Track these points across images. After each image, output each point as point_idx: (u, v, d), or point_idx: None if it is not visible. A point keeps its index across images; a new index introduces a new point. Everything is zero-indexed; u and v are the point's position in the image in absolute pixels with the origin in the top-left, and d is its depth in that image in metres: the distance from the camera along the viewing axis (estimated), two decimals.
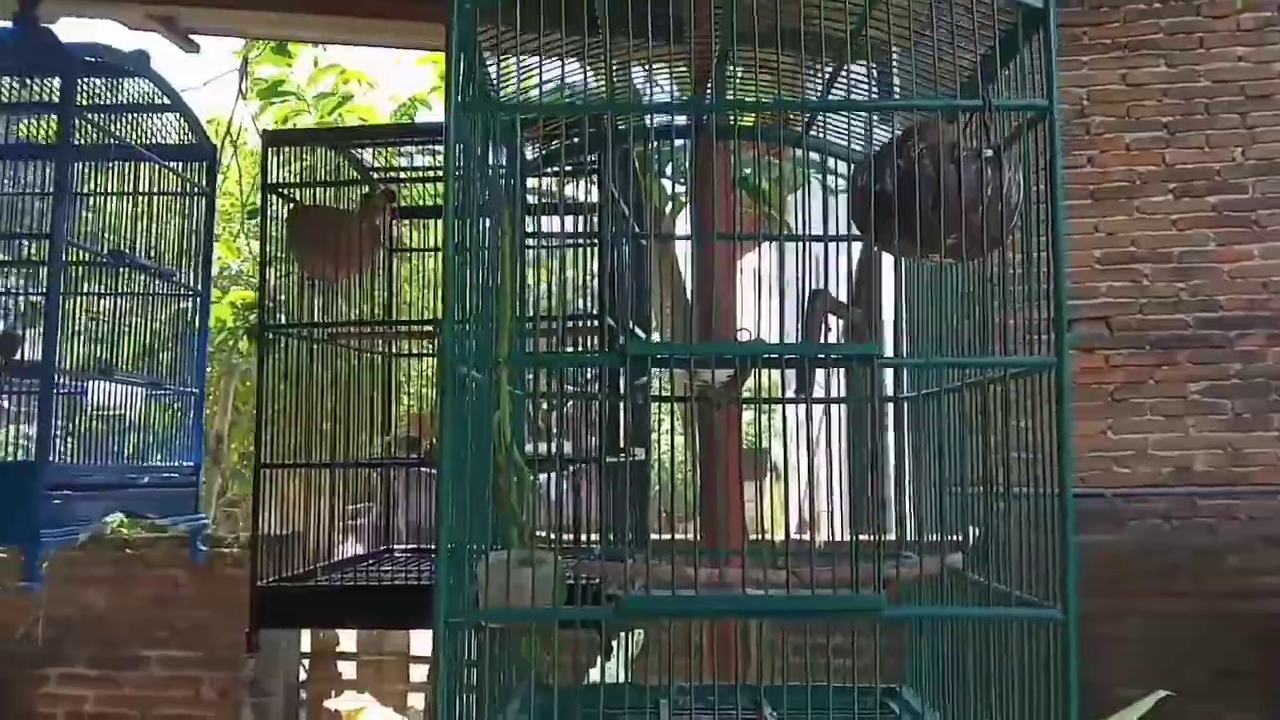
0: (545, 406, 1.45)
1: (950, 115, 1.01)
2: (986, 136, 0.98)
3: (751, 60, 1.58)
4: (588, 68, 1.55)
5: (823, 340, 1.52)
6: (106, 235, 2.34)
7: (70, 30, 2.25)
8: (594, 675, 1.99)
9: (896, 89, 1.43)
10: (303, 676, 4.79)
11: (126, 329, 2.33)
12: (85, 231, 2.34)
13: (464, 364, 1.00)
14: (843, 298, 1.47)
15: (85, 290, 2.35)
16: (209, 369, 5.20)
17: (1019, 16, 0.98)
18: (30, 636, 4.47)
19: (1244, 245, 4.72)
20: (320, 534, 2.23)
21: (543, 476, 1.47)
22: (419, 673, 4.68)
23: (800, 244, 1.45)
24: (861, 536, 1.00)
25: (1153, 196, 4.80)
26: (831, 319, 1.60)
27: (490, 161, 1.17)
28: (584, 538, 1.70)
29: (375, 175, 2.36)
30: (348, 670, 4.78)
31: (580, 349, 1.88)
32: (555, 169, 1.75)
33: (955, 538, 1.21)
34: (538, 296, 1.86)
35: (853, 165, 1.17)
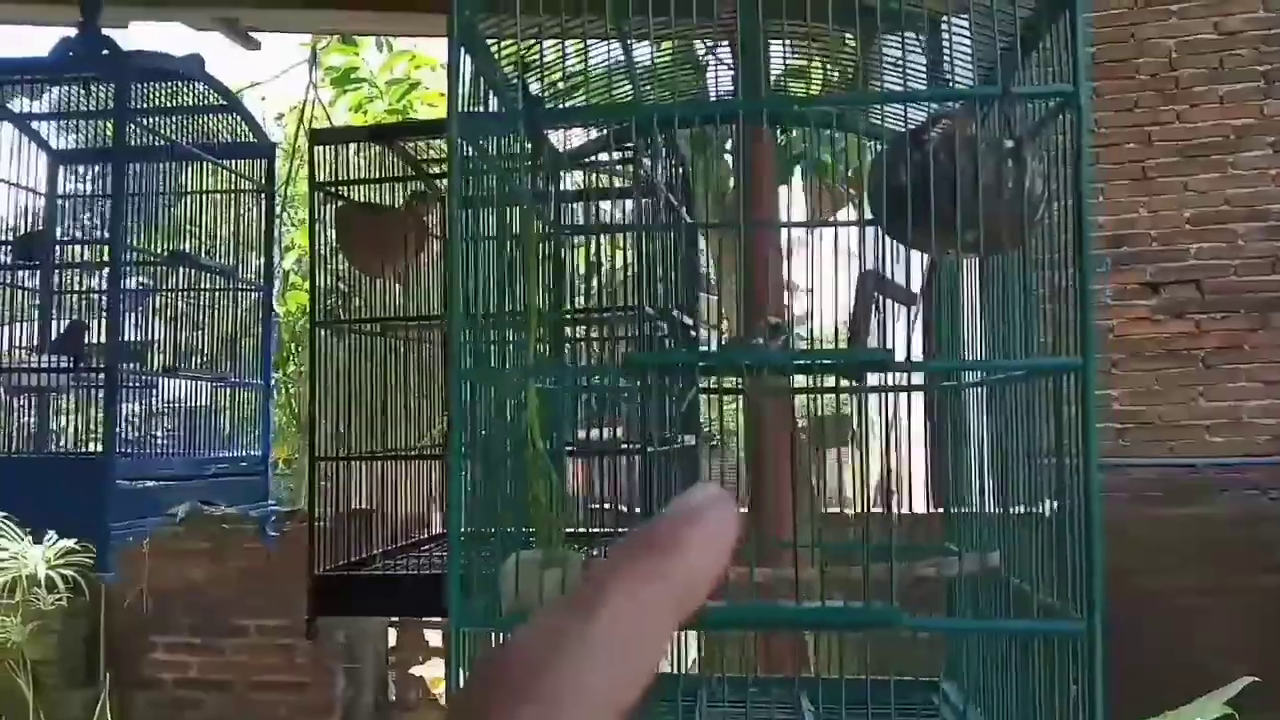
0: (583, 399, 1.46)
1: (968, 105, 0.96)
2: (1007, 126, 0.93)
3: (781, 34, 1.54)
4: (611, 46, 1.53)
5: (871, 322, 1.48)
6: (170, 238, 2.42)
7: (137, 34, 2.32)
8: None
9: (946, 59, 1.37)
10: (391, 643, 4.95)
11: (192, 325, 2.42)
12: (152, 231, 2.42)
13: (472, 365, 1.00)
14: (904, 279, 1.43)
15: (149, 288, 2.44)
16: (296, 351, 5.37)
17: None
18: (135, 607, 4.73)
19: None
20: (377, 523, 2.29)
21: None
22: None
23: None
24: (887, 539, 0.98)
25: (1248, 151, 4.54)
26: (888, 302, 1.56)
27: (504, 149, 1.17)
28: (621, 529, 1.71)
29: (429, 168, 2.39)
30: (434, 638, 4.92)
31: (623, 340, 1.88)
32: (595, 156, 1.74)
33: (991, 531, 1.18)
34: (574, 288, 1.86)
35: (876, 150, 1.12)
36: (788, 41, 1.64)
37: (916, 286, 1.55)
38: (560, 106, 1.42)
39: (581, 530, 1.96)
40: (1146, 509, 4.38)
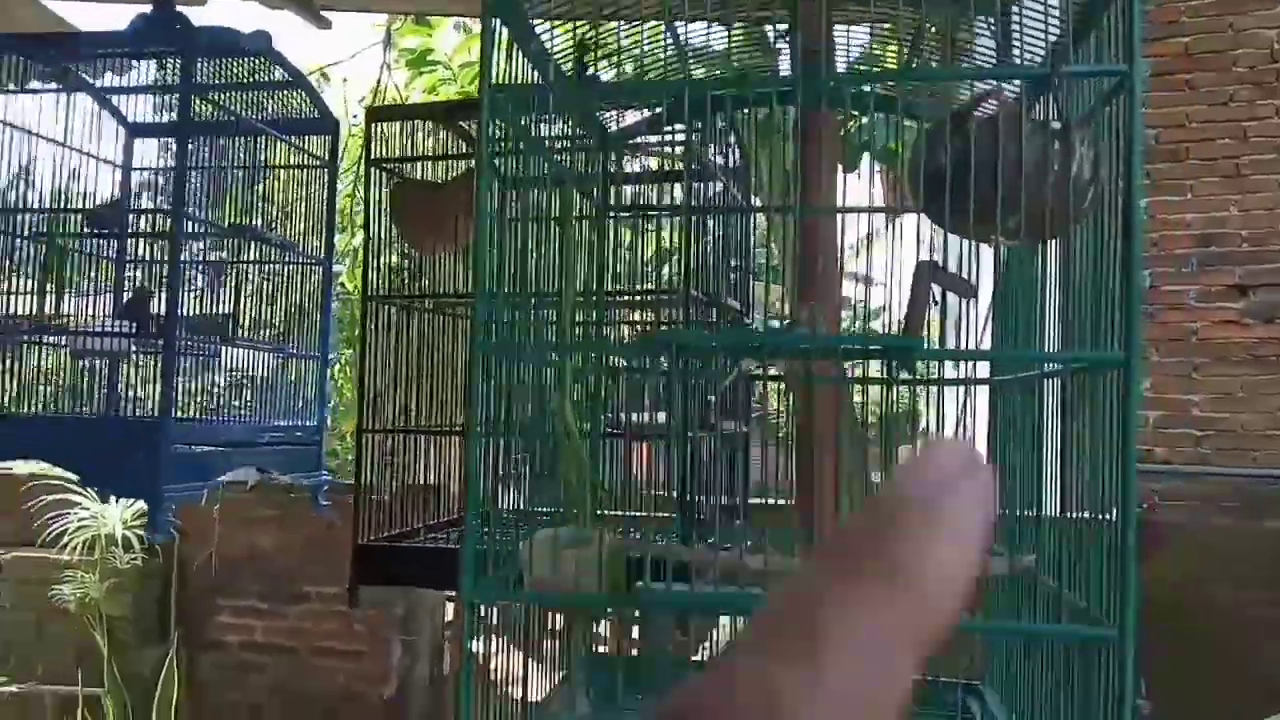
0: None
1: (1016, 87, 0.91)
2: (1057, 107, 0.88)
3: (848, 15, 1.50)
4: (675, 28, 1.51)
5: (926, 312, 1.44)
6: (236, 209, 2.48)
7: (214, 13, 2.37)
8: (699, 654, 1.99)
9: (1016, 42, 1.32)
10: (448, 617, 5.02)
11: (256, 297, 2.48)
12: (222, 205, 2.48)
13: (494, 340, 0.99)
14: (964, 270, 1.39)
15: (216, 261, 2.50)
16: (346, 345, 5.47)
17: None
18: (205, 570, 4.88)
19: None
20: (424, 496, 2.31)
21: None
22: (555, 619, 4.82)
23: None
24: None
25: None
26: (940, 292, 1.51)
27: (546, 132, 1.16)
28: (660, 512, 1.69)
29: None
30: (490, 614, 4.96)
31: (667, 325, 1.86)
32: (640, 139, 1.72)
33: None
34: (616, 271, 1.84)
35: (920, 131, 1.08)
36: (853, 27, 1.59)
37: (985, 277, 1.50)
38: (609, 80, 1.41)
39: (617, 512, 1.95)
40: (1222, 519, 4.21)
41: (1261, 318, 4.34)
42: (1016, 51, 1.24)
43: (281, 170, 2.54)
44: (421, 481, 2.32)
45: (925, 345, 0.87)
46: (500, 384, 1.00)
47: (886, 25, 1.56)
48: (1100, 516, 0.92)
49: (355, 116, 6.71)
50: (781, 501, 1.62)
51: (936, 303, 1.46)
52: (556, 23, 1.41)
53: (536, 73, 1.17)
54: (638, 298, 2.00)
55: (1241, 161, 4.38)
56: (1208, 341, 4.38)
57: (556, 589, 0.99)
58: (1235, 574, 4.01)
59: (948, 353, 0.90)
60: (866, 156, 3.63)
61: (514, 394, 1.05)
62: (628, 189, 1.98)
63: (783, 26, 1.77)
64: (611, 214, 1.75)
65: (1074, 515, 0.99)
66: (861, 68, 1.37)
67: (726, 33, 1.68)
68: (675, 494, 1.55)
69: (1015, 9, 1.16)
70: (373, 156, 2.22)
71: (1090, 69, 0.90)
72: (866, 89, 1.44)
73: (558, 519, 1.23)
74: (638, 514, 1.99)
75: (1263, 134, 4.37)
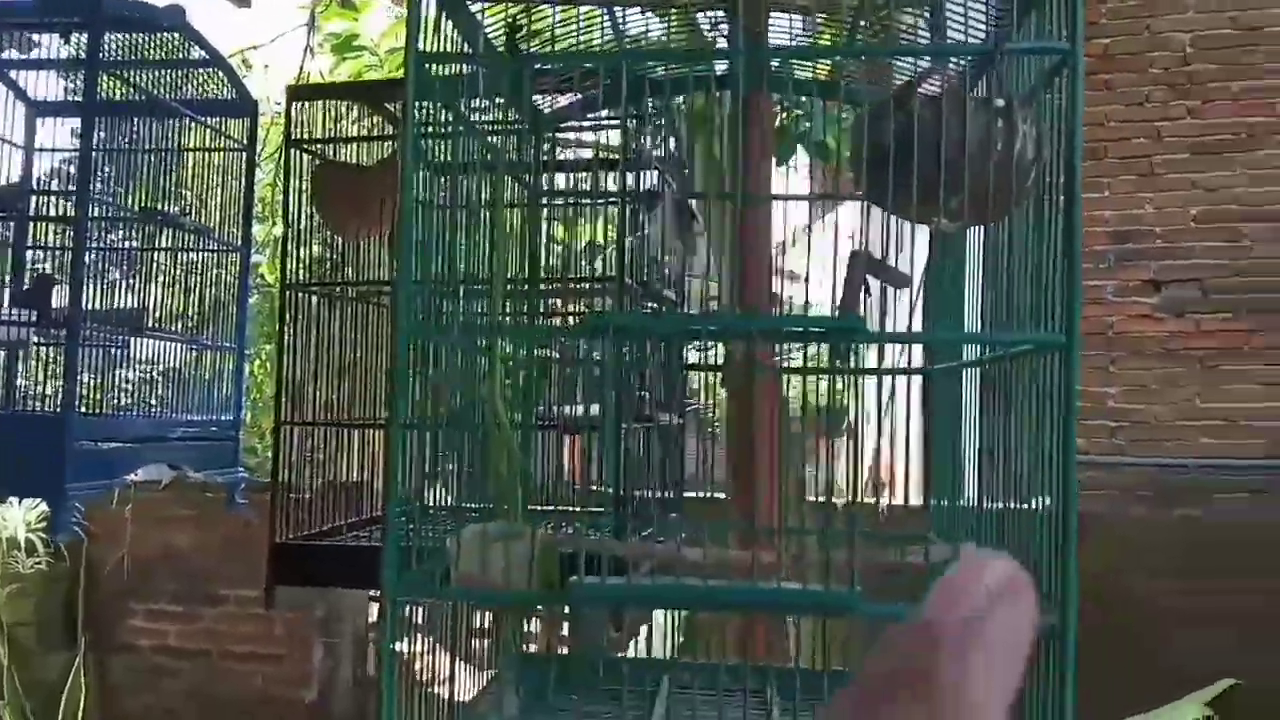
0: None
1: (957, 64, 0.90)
2: (997, 85, 0.87)
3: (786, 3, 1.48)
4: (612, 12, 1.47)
5: (860, 303, 1.43)
6: (147, 193, 2.35)
7: None
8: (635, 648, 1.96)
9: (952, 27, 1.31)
10: (372, 618, 4.91)
11: (164, 284, 2.36)
12: (131, 188, 2.36)
13: (420, 329, 0.94)
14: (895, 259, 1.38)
15: (125, 247, 2.38)
16: (265, 339, 5.31)
17: None
18: (116, 573, 4.69)
19: None
20: (342, 492, 2.23)
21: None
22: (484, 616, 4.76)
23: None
24: (852, 523, 0.93)
25: (1260, 150, 4.46)
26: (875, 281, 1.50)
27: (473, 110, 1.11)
28: (593, 506, 1.66)
29: None
30: (415, 614, 4.88)
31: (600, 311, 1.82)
32: (573, 123, 1.68)
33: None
34: (550, 259, 1.79)
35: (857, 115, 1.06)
36: (790, 16, 1.58)
37: (917, 267, 1.49)
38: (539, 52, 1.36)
39: (549, 506, 1.91)
40: (1136, 508, 4.33)
41: (1173, 312, 4.49)
42: (955, 31, 1.24)
43: (197, 153, 2.42)
44: (344, 478, 2.24)
45: (867, 327, 0.85)
46: (427, 372, 0.95)
47: (822, 16, 1.55)
48: (1038, 502, 0.91)
49: (277, 104, 6.53)
50: (717, 494, 1.60)
51: (870, 293, 1.45)
52: (487, 4, 1.37)
53: (467, 48, 1.12)
54: (572, 286, 1.96)
55: (1155, 160, 4.52)
56: (1123, 335, 4.51)
57: (485, 585, 0.94)
58: (1149, 565, 4.14)
59: (890, 335, 0.89)
60: (800, 149, 3.64)
61: (441, 383, 1.00)
62: (560, 176, 1.93)
63: (717, 14, 1.75)
64: (545, 201, 1.70)
65: (1009, 501, 0.99)
66: (801, 45, 1.35)
67: (661, 20, 1.64)
68: (609, 487, 1.51)
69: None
70: (294, 138, 2.12)
71: (1034, 46, 0.89)
72: (807, 74, 1.42)
73: (487, 513, 1.19)
74: (570, 508, 1.95)
75: (1175, 134, 4.51)
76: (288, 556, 2.01)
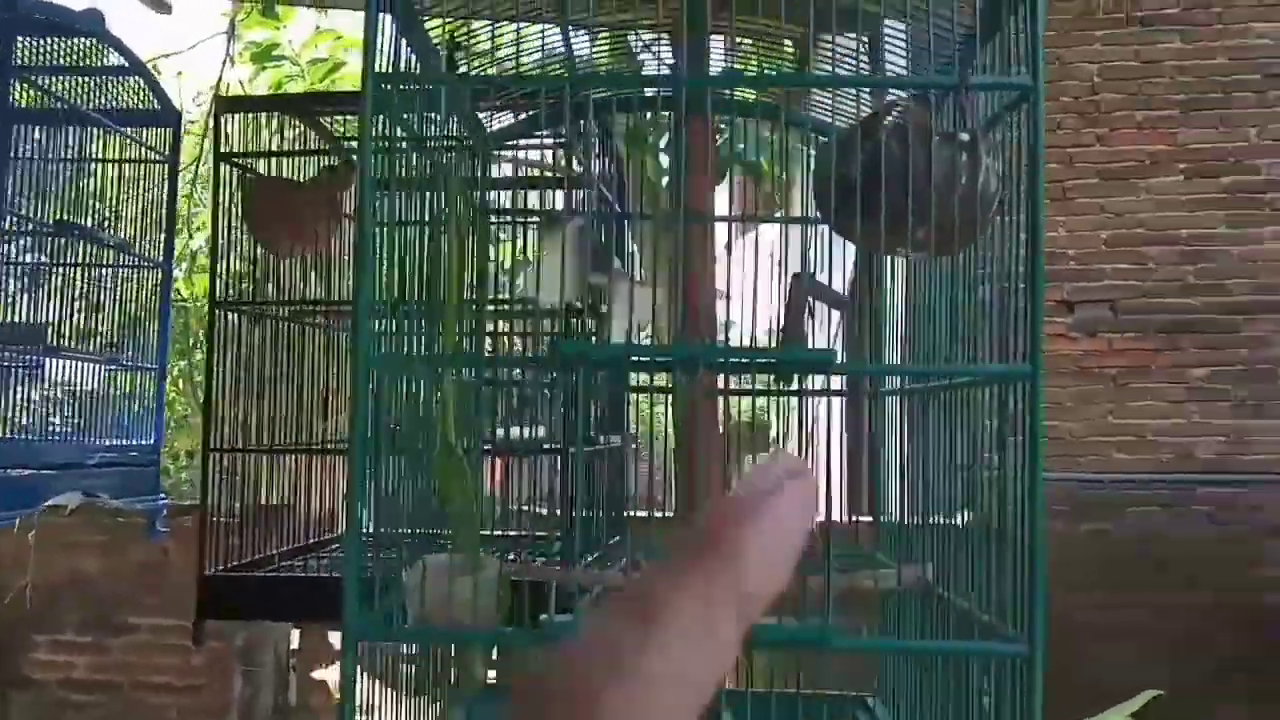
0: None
1: (923, 95, 0.91)
2: (962, 118, 0.88)
3: (728, 26, 1.48)
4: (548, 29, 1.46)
5: (805, 325, 1.43)
6: (60, 207, 2.24)
7: None
8: None
9: (887, 63, 1.33)
10: (294, 645, 4.76)
11: (81, 302, 2.25)
12: (45, 200, 2.24)
13: (381, 357, 0.91)
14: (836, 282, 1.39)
15: (39, 262, 2.26)
16: (202, 344, 5.14)
17: None
18: (19, 602, 4.45)
19: (1255, 229, 4.60)
20: (279, 520, 2.15)
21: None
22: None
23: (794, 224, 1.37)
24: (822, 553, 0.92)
25: (1163, 177, 4.67)
26: (820, 305, 1.51)
27: (428, 129, 1.08)
28: (540, 532, 1.63)
29: (347, 145, 2.26)
30: (340, 641, 4.74)
31: (545, 334, 1.80)
32: (517, 143, 1.66)
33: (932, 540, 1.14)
34: (498, 280, 1.77)
35: (819, 144, 1.07)
36: (732, 38, 1.58)
37: (845, 289, 1.50)
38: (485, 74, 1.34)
39: (497, 534, 1.86)
40: (1053, 524, 4.47)
41: (1086, 332, 4.65)
42: (898, 59, 1.26)
43: (115, 164, 2.32)
44: (271, 502, 2.15)
45: (836, 357, 0.85)
46: (383, 399, 0.92)
47: (763, 40, 1.56)
48: (1001, 524, 0.92)
49: (190, 113, 6.33)
50: (664, 515, 1.58)
51: (813, 316, 1.46)
52: (426, 20, 1.34)
53: (417, 66, 1.09)
54: (516, 306, 1.92)
55: (1068, 186, 4.69)
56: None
57: (452, 623, 0.91)
58: (1065, 579, 4.25)
59: (863, 367, 0.89)
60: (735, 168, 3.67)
61: (398, 409, 0.96)
62: (504, 194, 1.90)
63: (649, 36, 1.75)
64: (493, 220, 1.67)
65: (970, 525, 1.00)
66: (750, 72, 1.35)
67: (593, 44, 1.63)
68: (558, 511, 1.49)
69: (904, 22, 1.17)
70: (222, 150, 2.04)
71: (996, 82, 0.91)
72: (751, 95, 1.43)
73: (439, 543, 1.15)
74: (511, 533, 1.91)
75: (1086, 160, 4.69)
76: (217, 589, 1.92)
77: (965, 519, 1.01)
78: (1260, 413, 4.51)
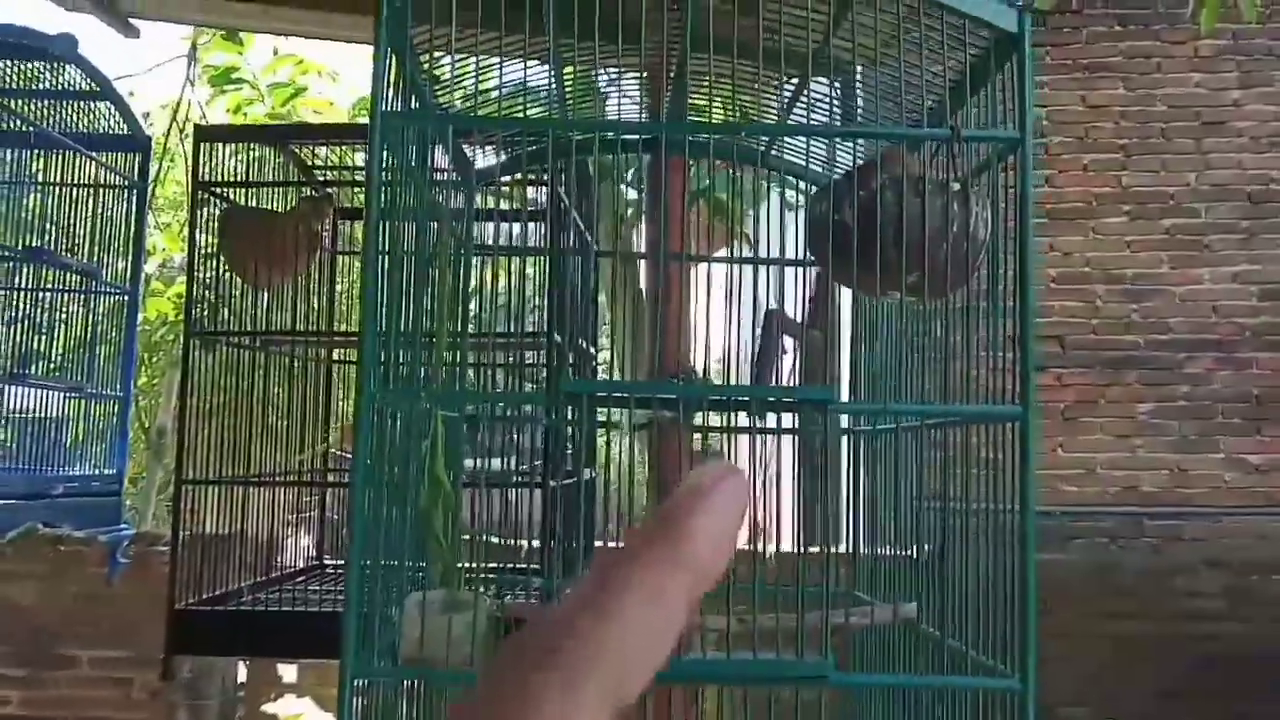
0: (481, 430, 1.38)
1: (915, 145, 0.94)
2: (953, 168, 0.91)
3: (707, 70, 1.52)
4: (528, 66, 1.48)
5: (777, 362, 1.46)
6: (23, 231, 2.19)
7: (3, 9, 2.11)
8: None
9: (860, 110, 1.37)
10: (242, 678, 4.63)
11: (44, 328, 2.20)
12: (7, 223, 2.20)
13: (384, 391, 0.91)
14: (799, 318, 1.42)
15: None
16: (150, 361, 5.04)
17: (991, 41, 0.92)
18: None
19: (1195, 269, 4.77)
20: (248, 551, 2.11)
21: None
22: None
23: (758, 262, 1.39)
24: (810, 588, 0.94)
25: (1108, 218, 4.83)
26: (787, 340, 1.54)
27: (424, 164, 1.09)
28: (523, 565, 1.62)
29: (320, 175, 2.25)
30: (288, 673, 4.64)
31: (528, 365, 1.80)
32: (502, 177, 1.67)
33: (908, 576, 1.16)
34: (483, 311, 1.77)
35: (811, 189, 1.10)
36: (708, 79, 1.62)
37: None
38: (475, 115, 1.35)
39: (480, 567, 1.85)
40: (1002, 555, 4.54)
41: (1035, 367, 4.76)
42: (862, 111, 1.30)
43: (81, 189, 2.28)
44: (243, 536, 2.11)
45: (836, 396, 0.87)
46: (384, 433, 0.92)
47: (740, 82, 1.59)
48: (989, 561, 0.95)
49: (150, 124, 6.24)
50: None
51: (785, 352, 1.49)
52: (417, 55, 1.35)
53: (415, 103, 1.11)
54: (504, 340, 1.92)
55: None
56: (987, 389, 4.73)
57: (442, 661, 0.90)
58: None
59: (859, 407, 0.91)
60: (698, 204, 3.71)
61: (394, 444, 0.97)
62: (489, 227, 1.91)
63: (614, 73, 1.78)
64: (479, 254, 1.68)
65: (952, 562, 1.02)
66: (735, 119, 1.38)
67: (552, 75, 1.65)
68: (538, 544, 1.49)
69: (859, 78, 1.21)
70: (200, 179, 2.02)
71: (986, 134, 0.95)
72: (726, 138, 1.46)
73: (422, 578, 1.15)
74: (496, 565, 1.90)
75: (1035, 201, 4.82)
76: (187, 624, 1.88)
77: (945, 554, 1.03)
78: (1201, 447, 4.65)
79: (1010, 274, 0.89)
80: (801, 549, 1.06)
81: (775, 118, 1.48)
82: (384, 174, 0.93)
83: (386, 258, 0.94)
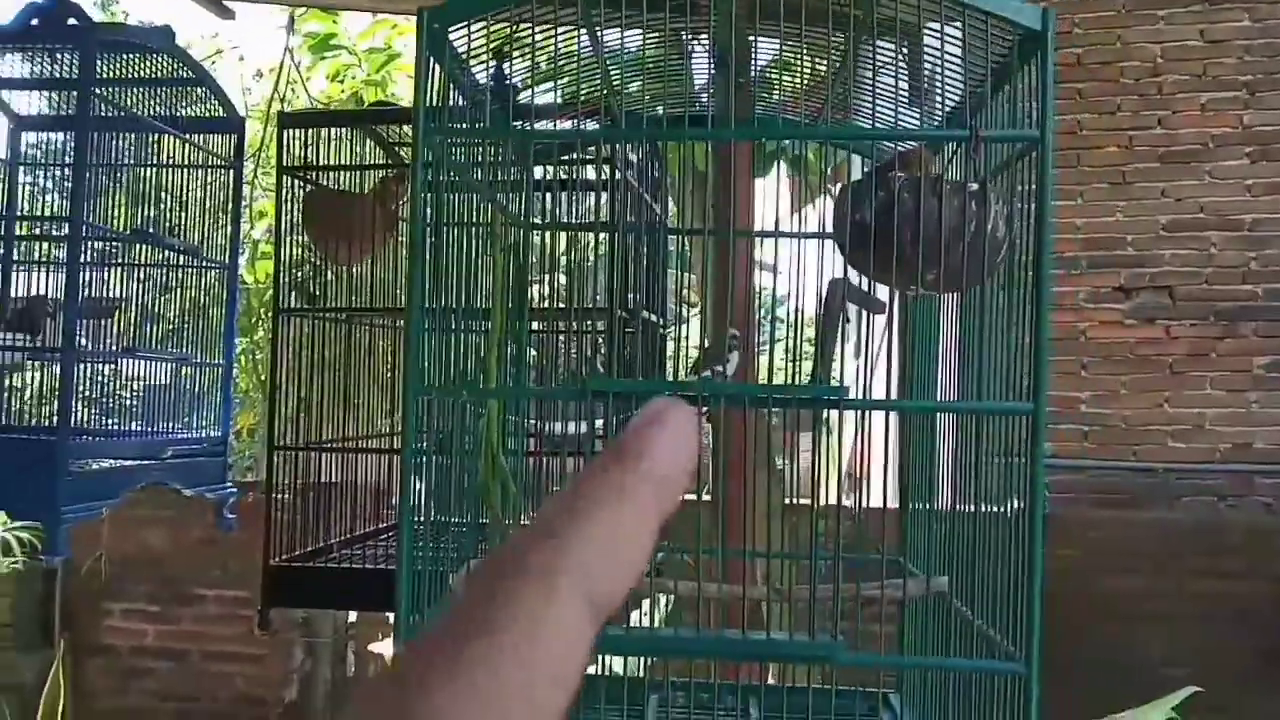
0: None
1: (936, 145, 0.95)
2: (973, 168, 0.92)
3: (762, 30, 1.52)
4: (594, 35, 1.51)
5: (841, 329, 1.48)
6: (133, 211, 2.37)
7: None
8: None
9: (927, 70, 1.36)
10: (351, 619, 4.93)
11: (153, 303, 2.37)
12: (113, 207, 2.37)
13: (428, 381, 0.98)
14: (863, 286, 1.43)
15: (111, 262, 2.39)
16: (262, 319, 5.31)
17: (1015, 39, 0.91)
18: (95, 572, 4.69)
19: None
20: (337, 510, 2.26)
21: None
22: None
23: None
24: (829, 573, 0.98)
25: (1226, 160, 4.57)
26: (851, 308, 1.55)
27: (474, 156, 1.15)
28: None
29: (403, 152, 2.35)
30: (393, 616, 4.91)
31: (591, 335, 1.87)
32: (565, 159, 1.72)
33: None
34: (544, 287, 1.84)
35: (835, 184, 1.12)
36: (770, 39, 1.62)
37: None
38: (537, 104, 1.40)
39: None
40: (1106, 511, 4.44)
41: (1143, 318, 4.58)
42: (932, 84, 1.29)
43: (183, 170, 2.44)
44: (334, 497, 2.27)
45: (848, 393, 0.90)
46: (432, 417, 1.00)
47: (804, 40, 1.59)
48: (1005, 547, 0.97)
49: (250, 92, 6.50)
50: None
51: (849, 320, 1.50)
52: (473, 26, 1.40)
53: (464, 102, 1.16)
54: (560, 312, 1.99)
55: (1127, 170, 4.61)
56: (1095, 341, 4.60)
57: None
58: (1117, 567, 4.25)
59: (871, 403, 0.94)
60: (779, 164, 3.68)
61: (445, 420, 1.04)
62: (546, 196, 1.96)
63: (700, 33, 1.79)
64: (536, 227, 1.74)
65: (982, 543, 1.04)
66: (786, 117, 1.39)
67: (642, 36, 1.68)
68: None
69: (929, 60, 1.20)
70: (285, 163, 2.14)
71: (1006, 134, 0.95)
72: (793, 120, 1.47)
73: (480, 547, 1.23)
74: None
75: (1146, 143, 4.60)
76: (280, 579, 2.04)
77: (978, 540, 1.05)
78: None
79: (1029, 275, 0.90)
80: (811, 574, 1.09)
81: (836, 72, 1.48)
82: (427, 183, 0.99)
83: (434, 250, 1.00)
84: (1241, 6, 4.62)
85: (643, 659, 1.36)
